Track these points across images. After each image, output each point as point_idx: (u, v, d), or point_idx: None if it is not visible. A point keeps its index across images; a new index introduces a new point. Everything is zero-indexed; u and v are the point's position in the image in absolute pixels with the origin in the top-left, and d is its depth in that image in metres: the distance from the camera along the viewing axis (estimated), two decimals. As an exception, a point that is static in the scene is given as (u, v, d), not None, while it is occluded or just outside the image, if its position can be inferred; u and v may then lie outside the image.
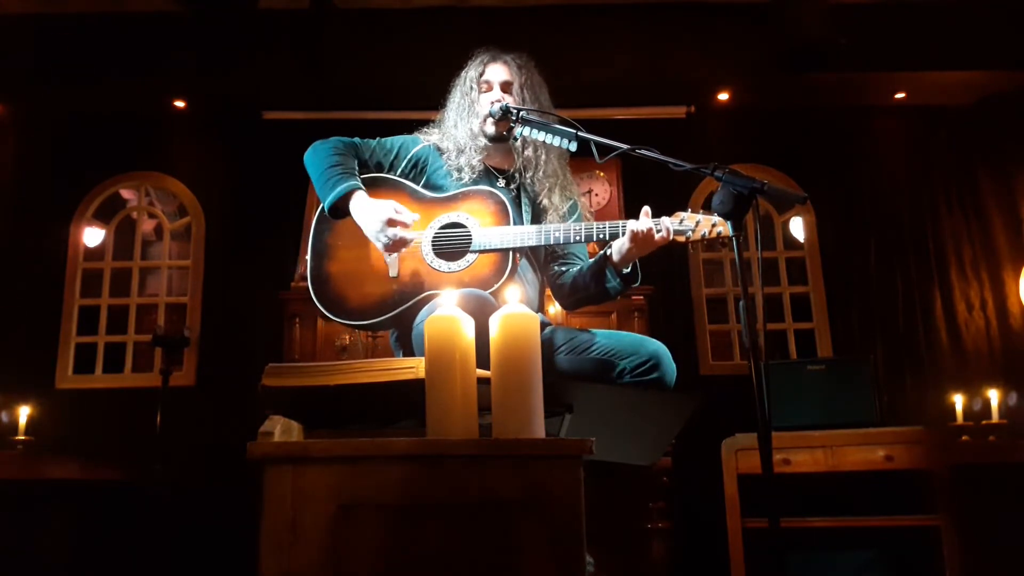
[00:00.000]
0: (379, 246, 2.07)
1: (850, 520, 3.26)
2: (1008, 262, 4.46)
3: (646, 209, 2.04)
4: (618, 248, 2.07)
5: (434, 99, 2.42)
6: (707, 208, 1.93)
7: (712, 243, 2.03)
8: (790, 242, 4.72)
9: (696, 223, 2.02)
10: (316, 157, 2.19)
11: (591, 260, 2.22)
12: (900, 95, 4.57)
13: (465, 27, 4.25)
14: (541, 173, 2.25)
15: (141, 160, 4.67)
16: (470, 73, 2.31)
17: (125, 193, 4.82)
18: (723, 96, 4.56)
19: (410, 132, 2.38)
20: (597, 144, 1.96)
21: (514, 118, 2.14)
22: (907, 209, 4.61)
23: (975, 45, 4.26)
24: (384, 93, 4.34)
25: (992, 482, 3.17)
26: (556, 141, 2.07)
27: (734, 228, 1.75)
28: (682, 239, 2.02)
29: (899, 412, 4.17)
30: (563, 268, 2.29)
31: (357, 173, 2.17)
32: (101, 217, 4.69)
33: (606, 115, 4.45)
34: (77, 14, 4.29)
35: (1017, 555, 3.01)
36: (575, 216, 2.32)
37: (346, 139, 2.24)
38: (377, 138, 2.31)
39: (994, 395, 3.72)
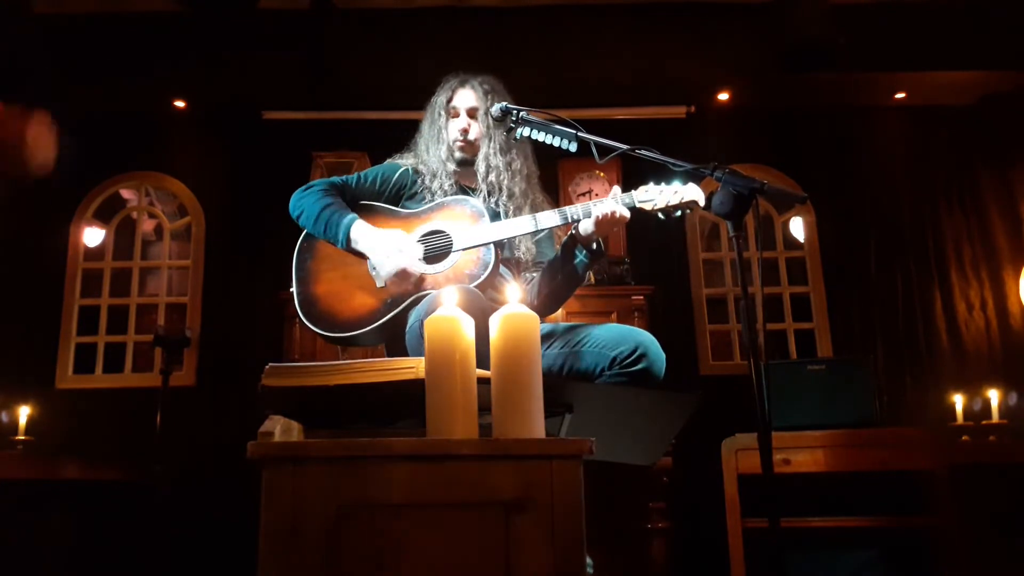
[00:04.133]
0: (384, 270, 2.09)
1: (850, 520, 3.25)
2: (1008, 262, 4.46)
3: (616, 189, 2.14)
4: (583, 227, 2.13)
5: (433, 99, 2.43)
6: (708, 208, 1.94)
7: (681, 209, 2.08)
8: (790, 242, 4.72)
9: (660, 192, 2.10)
10: (305, 202, 2.21)
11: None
12: (900, 95, 4.58)
13: (465, 27, 4.25)
14: (505, 197, 2.27)
15: (141, 160, 4.67)
16: (439, 99, 2.36)
17: (125, 193, 4.82)
18: (723, 96, 4.55)
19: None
20: (597, 144, 1.98)
21: (514, 118, 2.15)
22: (907, 209, 4.61)
23: (975, 45, 4.25)
24: (384, 93, 4.33)
25: (992, 482, 3.16)
26: (556, 142, 2.08)
27: (734, 228, 1.76)
28: (648, 208, 2.09)
29: (899, 412, 4.18)
30: (535, 274, 2.33)
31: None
32: (101, 217, 4.69)
33: (606, 115, 4.45)
34: (77, 14, 4.29)
35: (1017, 555, 3.01)
36: (547, 235, 2.36)
37: (326, 181, 2.26)
38: (355, 173, 2.35)
39: (994, 395, 3.71)
